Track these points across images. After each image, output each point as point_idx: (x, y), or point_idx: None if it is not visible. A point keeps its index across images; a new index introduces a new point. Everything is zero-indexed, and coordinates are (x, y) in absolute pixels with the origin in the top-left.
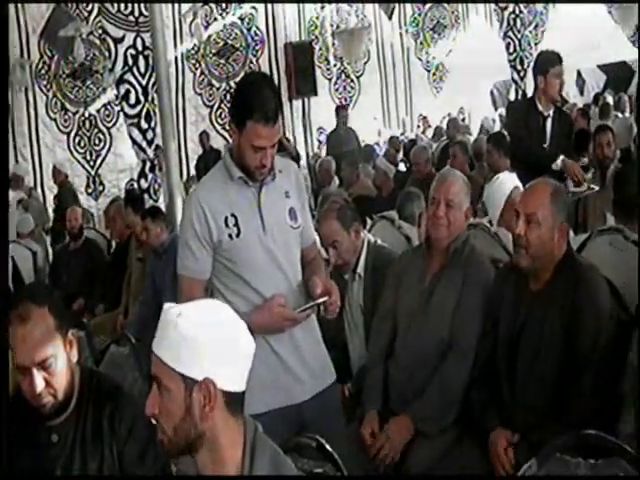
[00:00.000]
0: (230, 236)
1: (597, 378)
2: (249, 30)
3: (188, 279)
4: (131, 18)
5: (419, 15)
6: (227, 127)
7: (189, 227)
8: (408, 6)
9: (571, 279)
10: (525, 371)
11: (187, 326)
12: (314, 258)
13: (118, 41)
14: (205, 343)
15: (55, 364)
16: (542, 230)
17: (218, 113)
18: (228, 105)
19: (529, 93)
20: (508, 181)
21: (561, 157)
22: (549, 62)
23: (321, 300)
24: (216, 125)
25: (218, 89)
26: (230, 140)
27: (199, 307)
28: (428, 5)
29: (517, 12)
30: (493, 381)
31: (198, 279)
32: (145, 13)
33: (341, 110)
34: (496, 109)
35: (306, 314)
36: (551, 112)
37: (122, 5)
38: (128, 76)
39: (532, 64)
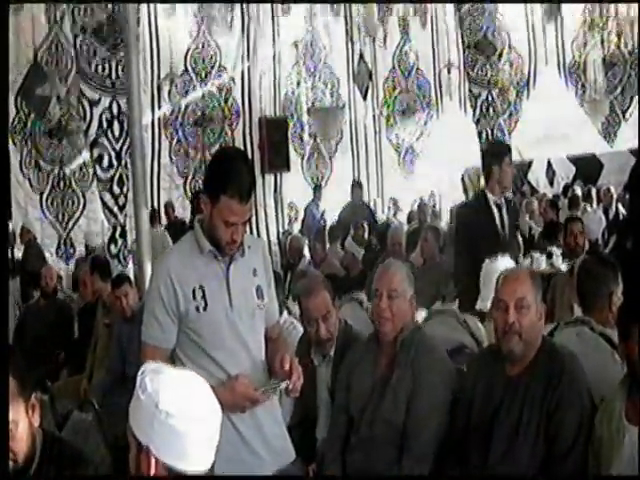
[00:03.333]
0: (197, 308)
1: (578, 467)
2: (226, 102)
3: (152, 347)
4: (108, 82)
5: (389, 98)
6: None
7: (156, 295)
8: (381, 88)
9: (553, 367)
10: (500, 453)
11: (148, 390)
12: (277, 337)
13: (94, 103)
14: (151, 412)
15: (16, 429)
16: (531, 314)
17: (192, 184)
18: (203, 177)
19: None
20: (503, 264)
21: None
22: (502, 152)
23: (283, 385)
24: (189, 195)
25: (193, 159)
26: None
27: (172, 377)
28: (398, 89)
29: (490, 100)
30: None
31: (162, 348)
32: (122, 77)
33: (356, 186)
34: (467, 196)
35: (267, 395)
36: (503, 201)
37: (100, 67)
38: (102, 139)
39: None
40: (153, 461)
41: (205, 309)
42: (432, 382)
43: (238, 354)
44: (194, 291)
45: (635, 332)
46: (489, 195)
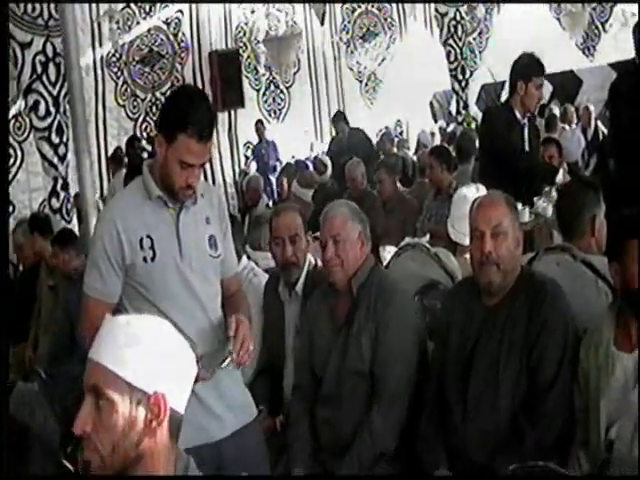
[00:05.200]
0: (144, 259)
1: (562, 397)
2: (175, 36)
3: (94, 300)
4: (40, 21)
5: (348, 22)
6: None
7: (100, 246)
8: (339, 12)
9: (534, 294)
10: (479, 390)
11: (139, 332)
12: (236, 292)
13: (25, 46)
14: (157, 353)
15: None
16: (509, 241)
17: (143, 127)
18: (154, 118)
19: (471, 104)
20: (475, 192)
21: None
22: (532, 70)
23: (225, 363)
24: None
25: (143, 100)
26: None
27: (145, 319)
28: (357, 12)
29: (458, 18)
30: (441, 409)
31: (105, 302)
32: (56, 16)
33: (339, 116)
34: (436, 121)
35: (210, 373)
36: (526, 121)
37: (29, 6)
38: (37, 85)
39: (511, 68)
40: (163, 409)
41: (153, 260)
42: (397, 323)
43: (191, 308)
44: (141, 241)
45: (629, 248)
46: (515, 109)
